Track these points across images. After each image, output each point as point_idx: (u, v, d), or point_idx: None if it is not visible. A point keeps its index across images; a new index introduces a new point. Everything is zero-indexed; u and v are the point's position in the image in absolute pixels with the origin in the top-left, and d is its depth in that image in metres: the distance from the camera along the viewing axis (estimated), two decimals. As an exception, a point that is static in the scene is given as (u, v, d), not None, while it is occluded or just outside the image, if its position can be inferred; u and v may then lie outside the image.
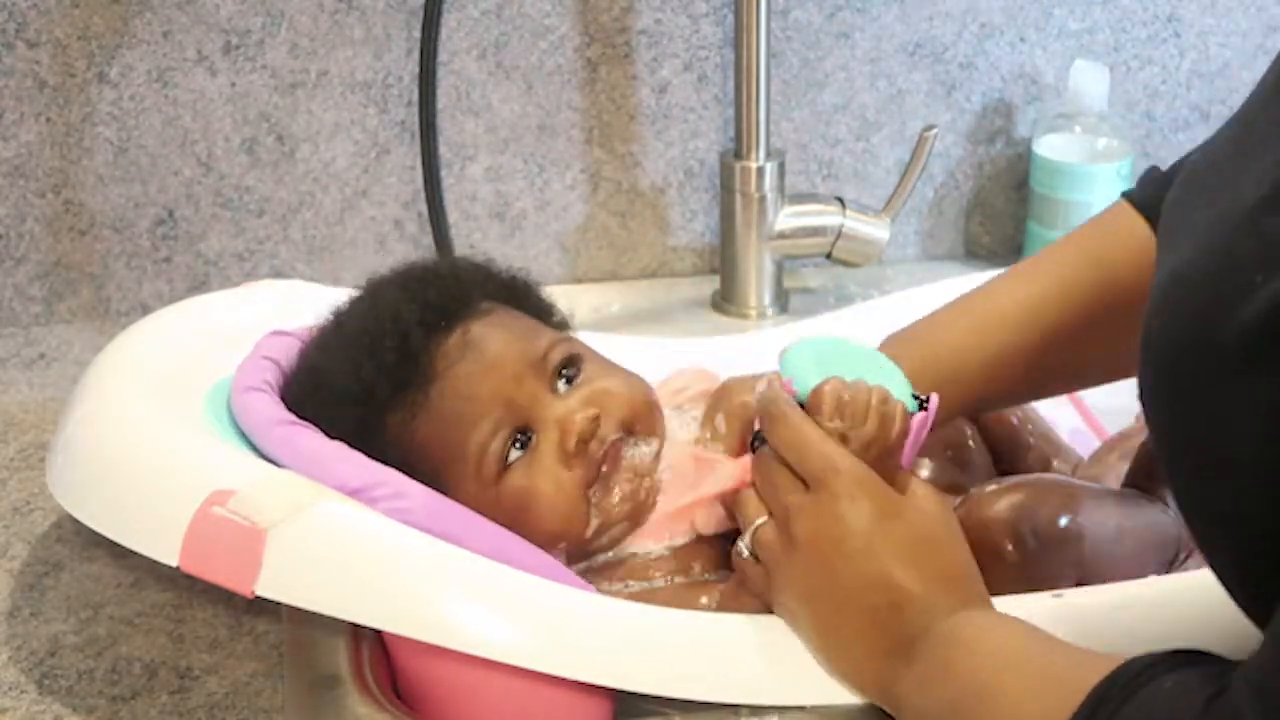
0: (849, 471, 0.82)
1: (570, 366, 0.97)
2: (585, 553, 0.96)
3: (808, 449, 0.83)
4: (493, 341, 0.96)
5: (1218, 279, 0.62)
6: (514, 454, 0.94)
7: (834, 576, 0.81)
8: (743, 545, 0.87)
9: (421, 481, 0.91)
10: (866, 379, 0.87)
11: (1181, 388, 0.63)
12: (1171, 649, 0.66)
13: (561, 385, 0.96)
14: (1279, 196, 0.61)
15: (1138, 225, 0.95)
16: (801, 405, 0.86)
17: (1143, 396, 0.66)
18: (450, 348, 0.95)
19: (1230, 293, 0.60)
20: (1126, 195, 0.98)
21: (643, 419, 0.96)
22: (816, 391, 0.85)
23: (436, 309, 0.96)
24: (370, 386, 0.94)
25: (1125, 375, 0.98)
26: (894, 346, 0.97)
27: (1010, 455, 1.11)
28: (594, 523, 0.94)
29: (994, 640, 0.76)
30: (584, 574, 0.96)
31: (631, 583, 0.96)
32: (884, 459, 0.84)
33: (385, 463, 0.92)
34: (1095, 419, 1.18)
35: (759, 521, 0.86)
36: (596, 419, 0.93)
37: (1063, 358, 0.97)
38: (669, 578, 0.96)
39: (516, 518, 0.93)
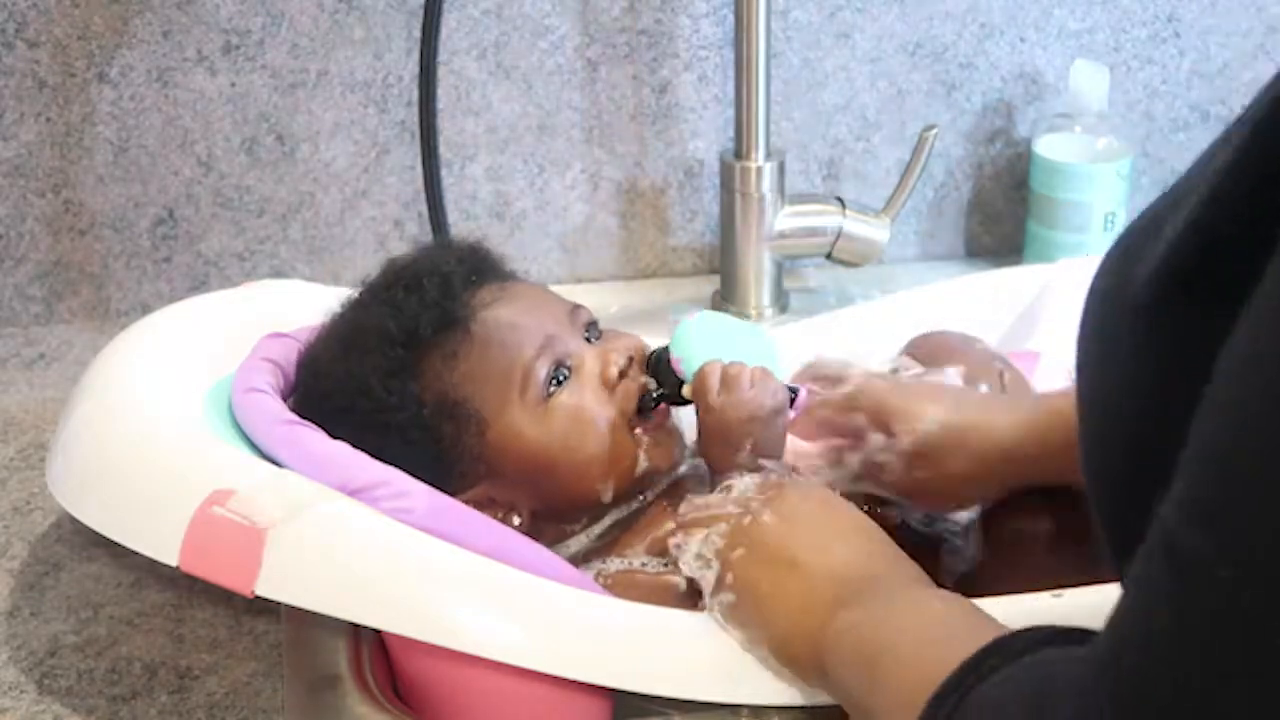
0: (785, 484, 0.88)
1: (592, 325, 1.02)
2: (631, 492, 0.99)
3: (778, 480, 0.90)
4: (525, 293, 1.01)
5: (1137, 231, 0.64)
6: (554, 387, 0.96)
7: (792, 537, 0.83)
8: (690, 559, 0.87)
9: (452, 420, 0.94)
10: (746, 359, 0.97)
11: (1097, 340, 0.64)
12: (1062, 626, 0.67)
13: (589, 338, 1.01)
14: (1203, 160, 0.61)
15: None
16: (680, 383, 0.97)
17: (1076, 355, 0.67)
18: (483, 296, 0.98)
19: (1143, 243, 0.61)
20: None
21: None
22: (699, 373, 0.96)
23: (469, 265, 1.00)
24: (414, 323, 0.96)
25: None
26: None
27: None
28: (643, 462, 0.98)
29: (925, 603, 0.76)
30: (590, 552, 0.97)
31: (631, 560, 0.96)
32: (766, 430, 0.93)
33: (417, 403, 0.94)
34: None
35: (707, 532, 0.87)
36: (630, 358, 0.99)
37: None
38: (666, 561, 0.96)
39: (565, 442, 0.95)
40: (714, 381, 0.95)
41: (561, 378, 0.96)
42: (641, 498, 1.00)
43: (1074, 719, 0.56)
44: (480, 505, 0.96)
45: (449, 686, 0.86)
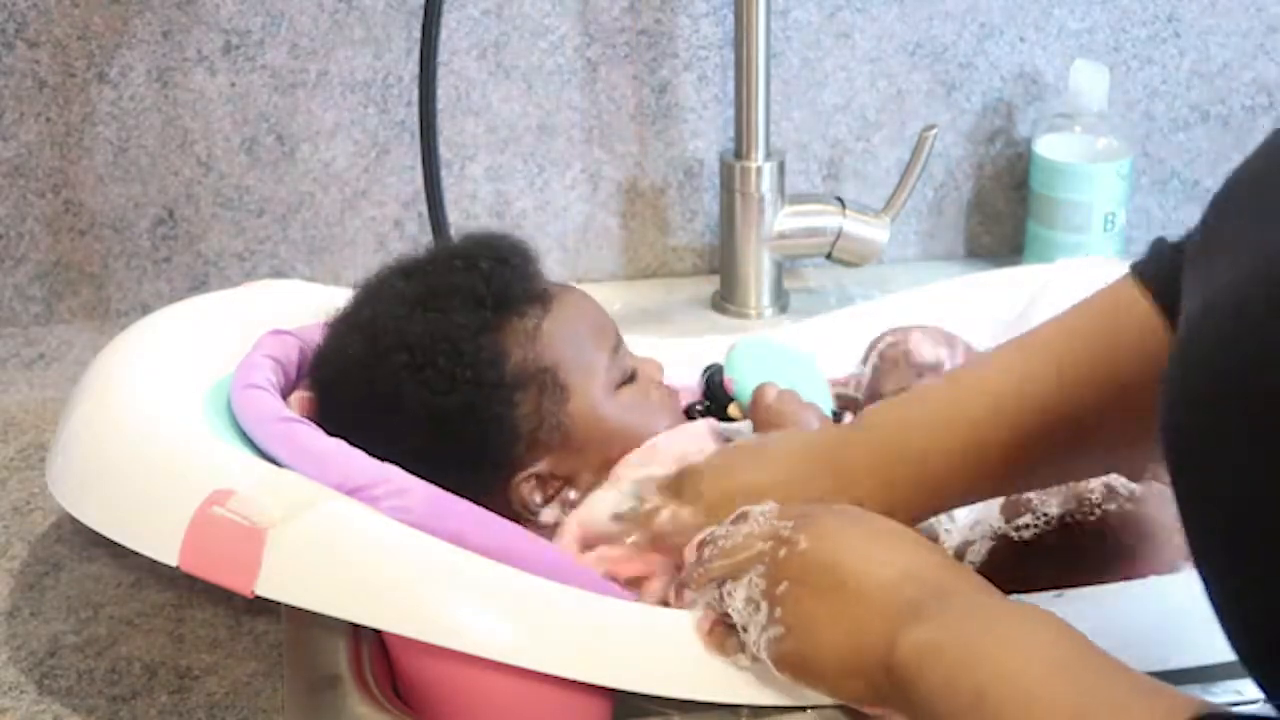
0: (813, 507, 0.83)
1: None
2: None
3: (789, 508, 0.84)
4: (587, 296, 1.06)
5: (1244, 332, 0.57)
6: (624, 380, 1.03)
7: (839, 559, 0.77)
8: (739, 603, 0.81)
9: (533, 384, 0.97)
10: (796, 383, 1.04)
11: (1223, 432, 0.57)
12: (1239, 713, 0.61)
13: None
14: None
15: (1142, 307, 0.85)
16: (729, 401, 1.08)
17: (1165, 436, 0.61)
18: (553, 286, 1.03)
19: (1263, 345, 0.55)
20: (1135, 268, 0.88)
21: None
22: (757, 391, 1.02)
23: (534, 255, 1.05)
24: (504, 290, 0.98)
25: (1117, 469, 0.94)
26: (876, 415, 0.93)
27: None
28: None
29: (1034, 639, 0.69)
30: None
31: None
32: None
33: (502, 363, 0.97)
34: None
35: (749, 574, 0.81)
36: (662, 370, 1.06)
37: (1050, 448, 0.87)
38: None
39: (626, 425, 1.00)
40: (769, 400, 1.01)
41: (630, 378, 1.03)
42: None
43: None
44: (541, 479, 0.99)
45: (449, 686, 0.86)
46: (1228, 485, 0.57)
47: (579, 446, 0.99)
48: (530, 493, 0.99)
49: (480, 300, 0.98)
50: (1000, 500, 0.99)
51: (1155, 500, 0.98)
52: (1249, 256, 0.60)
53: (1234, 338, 0.57)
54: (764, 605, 0.79)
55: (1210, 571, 0.60)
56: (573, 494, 0.99)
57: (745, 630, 0.80)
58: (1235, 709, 0.61)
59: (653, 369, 1.06)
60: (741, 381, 1.08)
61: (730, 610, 0.81)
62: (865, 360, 1.16)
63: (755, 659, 0.80)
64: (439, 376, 0.95)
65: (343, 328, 1.00)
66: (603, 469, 0.99)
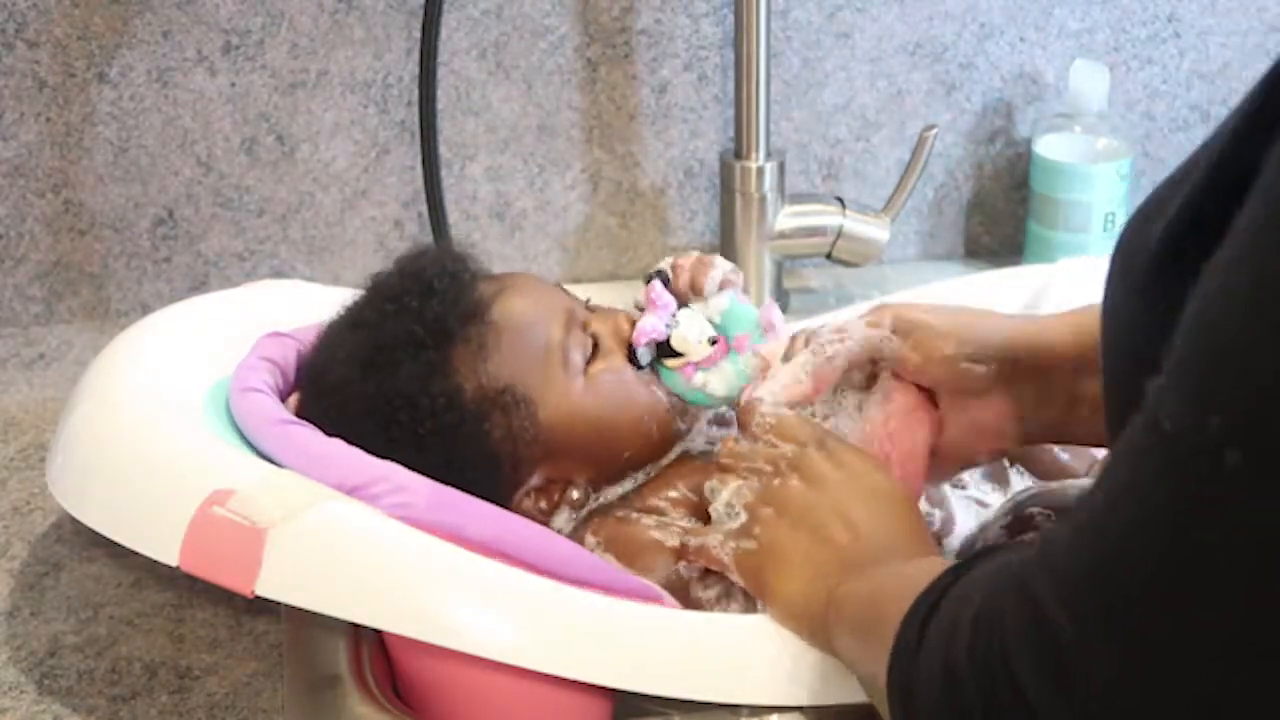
0: (831, 438, 0.92)
1: (579, 300, 1.04)
2: (662, 447, 1.01)
3: (792, 425, 0.92)
4: (523, 280, 1.04)
5: (1153, 202, 0.67)
6: (588, 357, 1.00)
7: (813, 501, 0.87)
8: (719, 505, 0.91)
9: (499, 409, 0.96)
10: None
11: (1121, 283, 0.67)
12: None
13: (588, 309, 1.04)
14: (1220, 129, 0.65)
15: None
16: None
17: (1102, 305, 0.69)
18: (488, 287, 1.00)
19: (1155, 211, 0.65)
20: None
21: None
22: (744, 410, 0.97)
23: (462, 263, 1.02)
24: (437, 324, 0.96)
25: None
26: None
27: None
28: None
29: (923, 563, 0.78)
30: (600, 510, 0.98)
31: (641, 516, 0.97)
32: None
33: (460, 401, 0.95)
34: None
35: (739, 483, 0.91)
36: (631, 321, 1.02)
37: None
38: (674, 518, 0.98)
39: (614, 405, 0.98)
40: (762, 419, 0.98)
41: (590, 348, 1.00)
42: (646, 472, 1.02)
43: (1044, 564, 0.58)
44: (540, 491, 0.98)
45: (449, 686, 0.86)
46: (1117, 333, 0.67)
47: (566, 447, 0.98)
48: (533, 506, 0.98)
49: (419, 342, 0.96)
50: (1006, 519, 0.99)
51: None
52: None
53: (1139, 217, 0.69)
54: (742, 515, 0.90)
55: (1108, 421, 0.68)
56: (575, 493, 0.99)
57: (714, 523, 0.91)
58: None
59: (617, 325, 1.02)
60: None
61: (711, 506, 0.91)
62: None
63: (711, 553, 0.90)
64: (406, 433, 0.95)
65: (313, 393, 1.00)
66: (598, 459, 0.99)
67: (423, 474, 0.91)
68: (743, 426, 0.95)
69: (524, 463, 0.97)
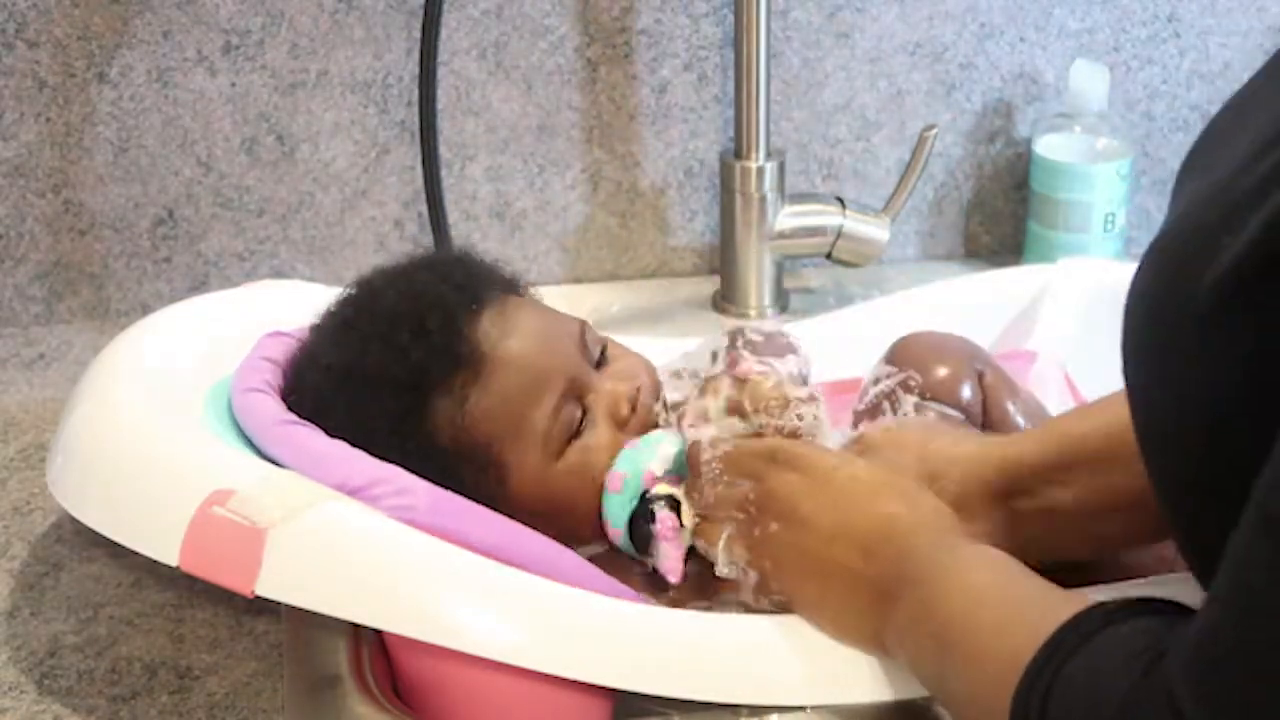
0: (782, 448, 0.89)
1: (599, 346, 0.99)
2: None
3: (741, 455, 0.90)
4: (531, 320, 0.97)
5: (1189, 242, 0.64)
6: (573, 433, 0.95)
7: (804, 540, 0.84)
8: (723, 565, 0.89)
9: (470, 464, 0.93)
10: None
11: (1153, 352, 0.65)
12: (1138, 595, 0.69)
13: (596, 362, 0.99)
14: (1249, 168, 0.62)
15: None
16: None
17: (1124, 366, 0.68)
18: (489, 328, 0.95)
19: (1198, 254, 0.62)
20: None
21: (658, 390, 1.00)
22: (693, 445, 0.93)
23: (467, 291, 0.97)
24: (421, 369, 0.93)
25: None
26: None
27: None
28: None
29: (971, 577, 0.77)
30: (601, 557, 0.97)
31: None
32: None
33: (431, 449, 0.92)
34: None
35: (726, 534, 0.89)
36: (638, 390, 0.97)
37: None
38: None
39: (583, 483, 0.94)
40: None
41: (580, 424, 0.95)
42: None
43: (1176, 675, 0.58)
44: None
45: (449, 686, 0.86)
46: (1156, 404, 0.66)
47: (527, 514, 0.93)
48: None
49: (400, 384, 0.93)
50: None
51: None
52: (1185, 208, 0.68)
53: (1146, 268, 0.67)
54: (750, 573, 0.87)
55: (1162, 486, 0.68)
56: None
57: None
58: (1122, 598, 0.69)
59: (615, 400, 0.96)
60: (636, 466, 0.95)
61: (716, 569, 0.89)
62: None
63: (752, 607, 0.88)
64: (376, 454, 0.92)
65: (292, 385, 0.98)
66: (561, 528, 0.94)
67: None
68: (693, 472, 0.92)
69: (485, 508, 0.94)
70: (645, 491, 0.93)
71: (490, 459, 0.94)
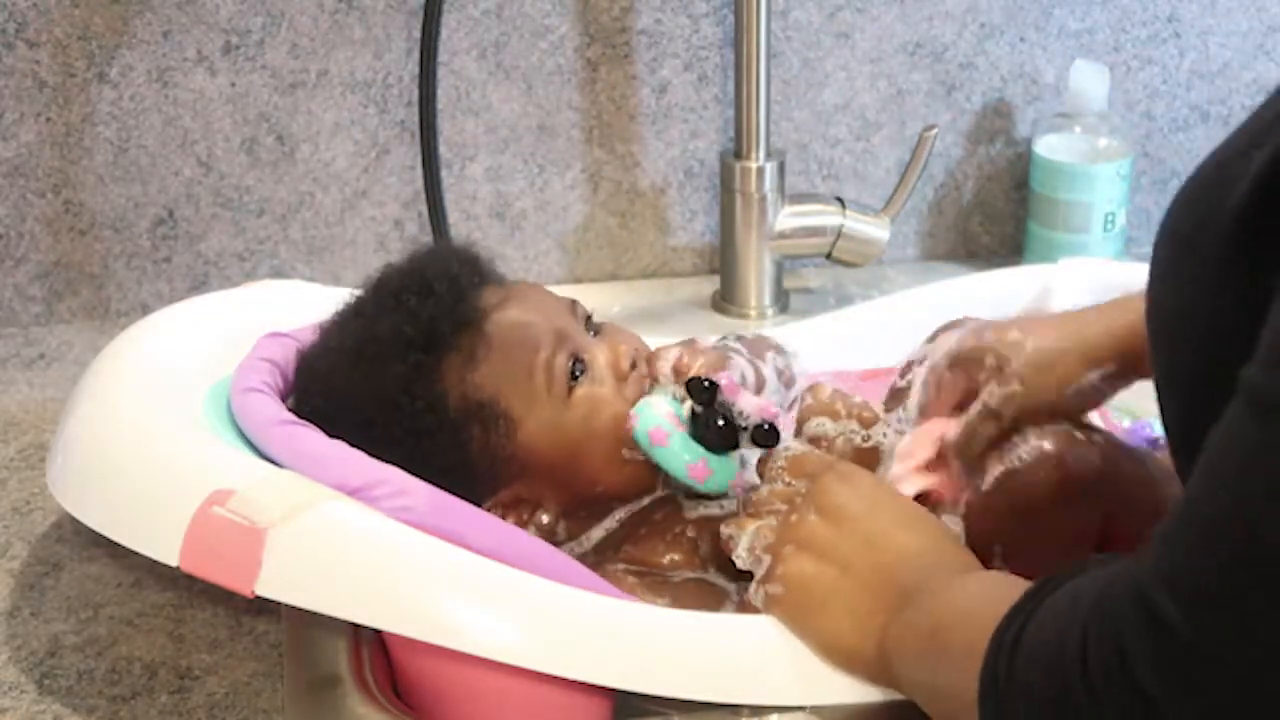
0: (843, 462, 0.92)
1: (589, 319, 1.02)
2: (643, 486, 0.98)
3: (806, 458, 0.93)
4: (528, 292, 1.02)
5: (1218, 166, 0.65)
6: (574, 381, 0.97)
7: (837, 533, 0.85)
8: (742, 552, 0.90)
9: (479, 421, 0.95)
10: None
11: (1179, 271, 0.66)
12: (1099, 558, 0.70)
13: (590, 333, 1.01)
14: (1272, 101, 0.64)
15: None
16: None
17: (1148, 291, 0.69)
18: (491, 296, 0.99)
19: (1224, 174, 0.63)
20: None
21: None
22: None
23: (470, 268, 1.01)
24: (430, 329, 0.95)
25: None
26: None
27: None
28: None
29: (973, 586, 0.78)
30: (596, 558, 0.97)
31: (633, 568, 0.96)
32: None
33: (442, 407, 0.94)
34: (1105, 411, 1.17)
35: (758, 525, 0.90)
36: (637, 350, 1.00)
37: None
38: (678, 572, 0.96)
39: (591, 432, 0.96)
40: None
41: (578, 372, 0.97)
42: (621, 516, 1.00)
43: (1154, 561, 0.58)
44: (509, 507, 0.97)
45: (449, 686, 0.86)
46: (1173, 306, 0.67)
47: (541, 469, 0.96)
48: (512, 512, 0.97)
49: (409, 343, 0.95)
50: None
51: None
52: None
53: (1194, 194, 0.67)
54: (765, 559, 0.88)
55: (1163, 389, 0.69)
56: (544, 517, 0.97)
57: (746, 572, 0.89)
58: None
59: (616, 354, 0.99)
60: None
61: (734, 555, 0.89)
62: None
63: (752, 597, 0.88)
64: (383, 432, 0.94)
65: (305, 379, 0.99)
66: (570, 484, 0.96)
67: (403, 464, 0.91)
68: (761, 476, 0.95)
69: (498, 476, 0.96)
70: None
71: (498, 412, 0.95)
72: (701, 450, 0.94)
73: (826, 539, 0.86)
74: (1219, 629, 0.55)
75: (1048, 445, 0.93)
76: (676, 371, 0.98)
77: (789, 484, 0.92)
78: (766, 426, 0.95)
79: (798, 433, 1.01)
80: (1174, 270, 0.67)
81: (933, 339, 1.09)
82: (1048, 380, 0.93)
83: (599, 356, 0.99)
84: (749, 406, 0.95)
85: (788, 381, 1.07)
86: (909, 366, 1.05)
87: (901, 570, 0.83)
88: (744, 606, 0.93)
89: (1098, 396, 0.95)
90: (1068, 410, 0.94)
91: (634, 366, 0.99)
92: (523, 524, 0.97)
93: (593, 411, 0.97)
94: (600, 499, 0.98)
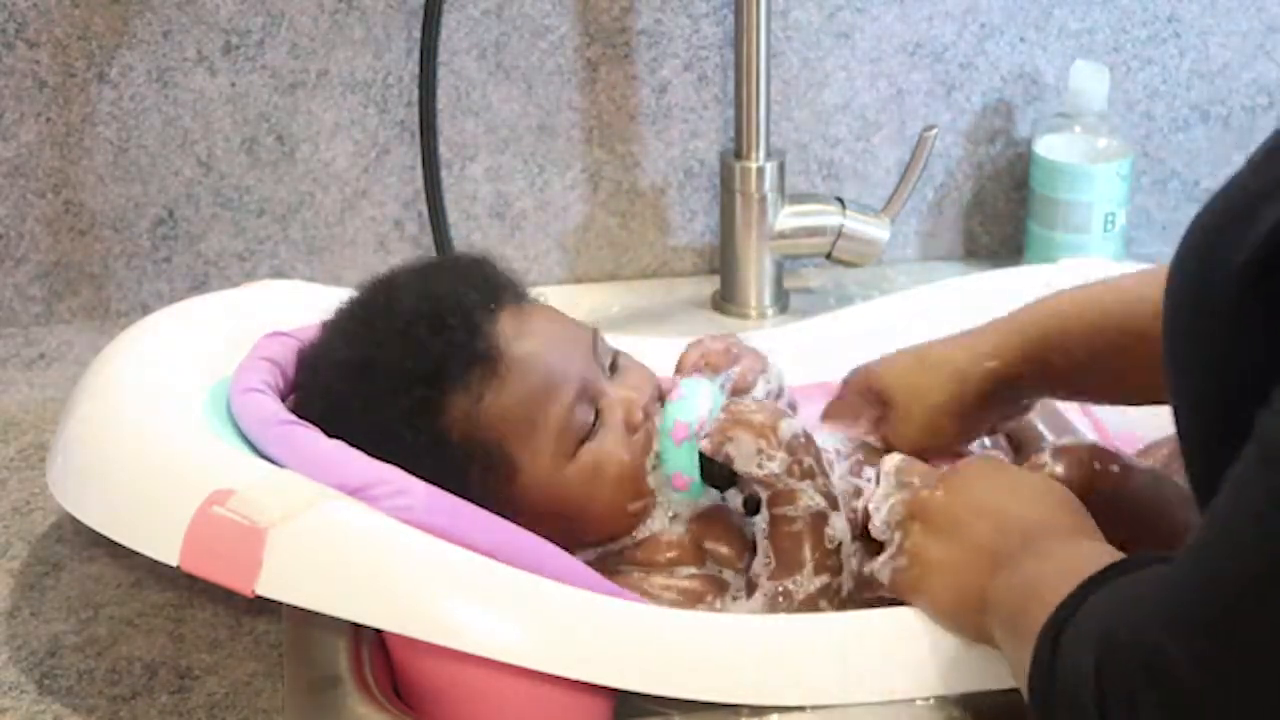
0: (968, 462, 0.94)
1: (609, 355, 1.00)
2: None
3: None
4: (547, 324, 0.99)
5: (1225, 215, 0.65)
6: (585, 435, 0.96)
7: (957, 506, 0.87)
8: (878, 522, 0.91)
9: (480, 461, 0.93)
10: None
11: (1193, 321, 0.66)
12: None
13: (608, 370, 0.99)
14: (1273, 155, 0.64)
15: None
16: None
17: (1164, 338, 0.69)
18: (506, 328, 0.96)
19: (1235, 224, 0.63)
20: None
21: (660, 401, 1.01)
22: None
23: (485, 292, 0.97)
24: (438, 364, 0.93)
25: None
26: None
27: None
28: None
29: (1073, 549, 0.79)
30: (599, 559, 0.97)
31: (642, 572, 0.96)
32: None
33: (443, 444, 0.92)
34: (1105, 430, 1.17)
35: (897, 498, 0.91)
36: (650, 400, 0.98)
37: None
38: (681, 568, 0.96)
39: (592, 488, 0.95)
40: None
41: (594, 425, 0.95)
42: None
43: (1160, 604, 0.59)
44: None
45: (449, 686, 0.86)
46: (1187, 349, 0.67)
47: (535, 514, 0.94)
48: None
49: (416, 379, 0.93)
50: None
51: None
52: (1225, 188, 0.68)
53: (1187, 240, 0.68)
54: (896, 533, 0.90)
55: (1185, 436, 0.69)
56: None
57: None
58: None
59: (629, 404, 0.97)
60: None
61: (871, 526, 0.92)
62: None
63: (876, 572, 0.91)
64: (383, 454, 0.91)
65: (304, 384, 0.98)
66: (564, 530, 0.94)
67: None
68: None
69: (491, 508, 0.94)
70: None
71: (501, 457, 0.94)
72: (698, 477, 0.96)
73: (947, 512, 0.88)
74: (1225, 682, 0.55)
75: (1060, 469, 0.95)
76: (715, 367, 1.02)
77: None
78: (754, 501, 0.96)
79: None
80: (1186, 319, 0.67)
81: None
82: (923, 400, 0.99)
83: (614, 410, 0.96)
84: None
85: (777, 388, 1.07)
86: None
87: (1008, 536, 0.83)
88: (747, 599, 0.93)
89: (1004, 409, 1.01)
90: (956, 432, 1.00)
91: (646, 418, 0.97)
92: None
93: (599, 468, 0.95)
94: (589, 539, 0.97)
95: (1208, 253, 0.65)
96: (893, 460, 0.94)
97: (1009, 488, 0.88)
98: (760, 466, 0.92)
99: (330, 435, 0.93)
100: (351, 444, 0.92)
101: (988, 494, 0.88)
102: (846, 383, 1.05)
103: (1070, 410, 1.15)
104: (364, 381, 0.94)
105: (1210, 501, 0.61)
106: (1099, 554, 0.75)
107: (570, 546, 0.94)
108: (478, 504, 0.91)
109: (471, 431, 0.93)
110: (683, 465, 0.95)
